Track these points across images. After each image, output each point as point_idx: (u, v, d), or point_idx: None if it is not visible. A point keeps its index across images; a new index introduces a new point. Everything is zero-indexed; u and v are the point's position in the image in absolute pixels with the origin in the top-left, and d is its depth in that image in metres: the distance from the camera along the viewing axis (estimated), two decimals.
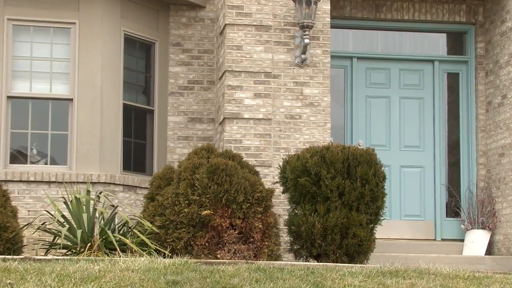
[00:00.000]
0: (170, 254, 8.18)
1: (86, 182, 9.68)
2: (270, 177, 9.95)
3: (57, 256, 7.89)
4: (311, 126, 10.28)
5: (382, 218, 9.10)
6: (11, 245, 8.68)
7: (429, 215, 11.55)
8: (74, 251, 8.65)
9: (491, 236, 11.22)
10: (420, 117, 11.70)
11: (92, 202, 8.99)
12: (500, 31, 11.33)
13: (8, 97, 10.17)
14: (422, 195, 11.57)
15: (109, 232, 8.48)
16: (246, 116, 10.17)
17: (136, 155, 10.87)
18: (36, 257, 7.32)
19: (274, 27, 10.34)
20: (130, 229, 8.82)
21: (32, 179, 9.99)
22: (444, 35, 12.14)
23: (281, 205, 9.73)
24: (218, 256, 8.26)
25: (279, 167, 9.27)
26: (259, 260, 7.97)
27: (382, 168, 9.04)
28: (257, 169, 9.40)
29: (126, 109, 10.65)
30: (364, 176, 8.77)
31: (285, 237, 9.27)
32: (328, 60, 10.42)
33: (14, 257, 7.15)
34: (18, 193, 9.94)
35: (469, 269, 7.60)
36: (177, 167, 9.04)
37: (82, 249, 8.49)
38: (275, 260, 8.54)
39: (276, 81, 10.28)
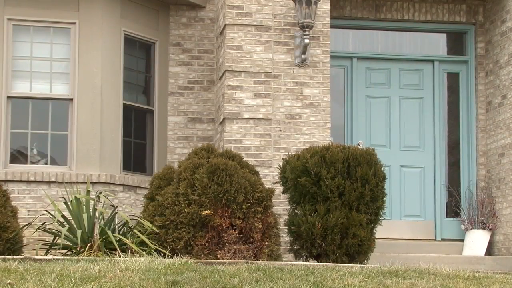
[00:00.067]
0: (170, 254, 8.18)
1: (86, 182, 9.68)
2: (270, 177, 9.95)
3: (57, 256, 7.89)
4: (311, 126, 10.28)
5: (382, 218, 9.10)
6: (11, 245, 8.67)
7: (429, 215, 11.55)
8: (74, 251, 8.65)
9: (491, 236, 11.22)
10: (420, 117, 11.70)
11: (92, 202, 8.99)
12: (500, 31, 11.33)
13: (8, 97, 10.17)
14: (422, 195, 11.57)
15: (109, 232, 8.48)
16: (246, 116, 10.17)
17: (136, 155, 10.87)
18: (36, 257, 7.32)
19: (274, 27, 10.34)
20: (130, 229, 8.82)
21: (32, 179, 9.99)
22: (444, 35, 12.14)
23: (281, 205, 9.72)
24: (218, 256, 8.26)
25: (279, 167, 9.27)
26: (259, 260, 7.97)
27: (382, 168, 9.04)
28: (257, 169, 9.40)
29: (126, 109, 10.65)
30: (364, 176, 8.77)
31: (285, 237, 9.27)
32: (328, 60, 10.42)
33: (14, 257, 7.15)
34: (18, 193, 9.94)
35: (469, 269, 7.60)
36: (177, 167, 9.04)
37: (82, 249, 8.49)
38: (275, 260, 8.54)
39: (276, 81, 10.28)
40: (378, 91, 11.67)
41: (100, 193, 9.25)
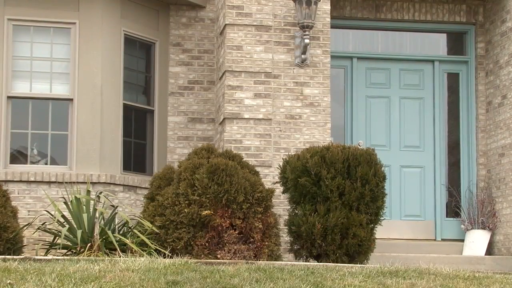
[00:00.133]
0: (170, 254, 8.18)
1: (86, 182, 9.68)
2: (270, 177, 9.95)
3: (57, 256, 7.89)
4: (311, 126, 10.28)
5: (382, 218, 9.10)
6: (11, 245, 8.67)
7: (429, 215, 11.55)
8: (74, 251, 8.65)
9: (491, 236, 11.22)
10: (420, 117, 11.70)
11: (92, 202, 8.99)
12: (500, 31, 11.33)
13: (8, 97, 10.17)
14: (422, 195, 11.57)
15: (109, 232, 8.48)
16: (246, 116, 10.17)
17: (136, 155, 10.87)
18: (36, 257, 7.32)
19: (274, 27, 10.34)
20: (130, 229, 8.82)
21: (32, 179, 9.99)
22: (444, 35, 12.14)
23: (281, 205, 9.72)
24: (218, 256, 8.26)
25: (279, 167, 9.27)
26: (259, 260, 7.97)
27: (382, 168, 9.04)
28: (257, 169, 9.40)
29: (126, 109, 10.65)
30: (364, 176, 8.77)
31: (285, 237, 9.27)
32: (328, 60, 10.42)
33: (14, 257, 7.15)
34: (18, 193, 9.94)
35: (469, 269, 7.60)
36: (177, 167, 9.04)
37: (82, 249, 8.48)
38: (275, 260, 8.54)
39: (276, 81, 10.28)
40: (378, 91, 11.67)
41: (100, 193, 9.25)
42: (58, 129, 10.29)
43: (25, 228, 9.19)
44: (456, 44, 12.09)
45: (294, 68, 10.33)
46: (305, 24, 10.10)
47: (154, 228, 8.49)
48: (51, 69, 10.35)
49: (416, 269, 7.00)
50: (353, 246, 8.71)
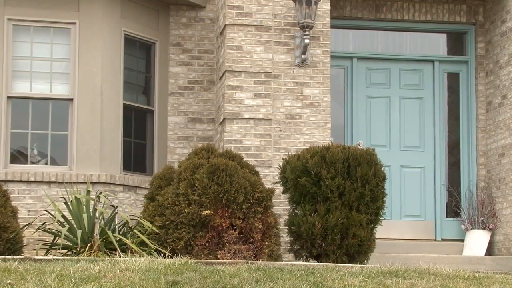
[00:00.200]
0: (170, 254, 8.18)
1: (86, 182, 9.68)
2: (270, 177, 9.95)
3: (57, 256, 7.89)
4: (311, 126, 10.28)
5: (382, 218, 9.10)
6: (11, 245, 8.67)
7: (429, 215, 11.55)
8: (74, 251, 8.65)
9: (491, 236, 11.22)
10: (420, 117, 11.70)
11: (92, 202, 8.99)
12: (500, 31, 11.33)
13: (8, 97, 10.17)
14: (422, 195, 11.57)
15: (109, 232, 8.48)
16: (246, 116, 10.17)
17: (136, 155, 10.87)
18: (36, 257, 7.32)
19: (274, 27, 10.34)
20: (130, 229, 8.82)
21: (32, 179, 9.99)
22: (444, 35, 12.14)
23: (281, 205, 9.72)
24: (218, 256, 8.26)
25: (279, 167, 9.27)
26: (259, 260, 7.97)
27: (382, 168, 9.04)
28: (257, 169, 9.39)
29: (126, 109, 10.65)
30: (364, 176, 8.77)
31: (285, 237, 9.27)
32: (328, 60, 10.42)
33: (14, 257, 7.15)
34: (18, 193, 9.94)
35: (469, 269, 7.60)
36: (177, 167, 9.04)
37: (82, 249, 8.48)
38: (275, 260, 8.54)
39: (276, 81, 10.28)
40: (378, 91, 11.67)
41: (100, 193, 9.25)
42: (58, 129, 10.29)
43: (25, 228, 9.19)
44: (456, 44, 12.09)
45: (294, 68, 10.33)
46: (305, 24, 10.10)
47: (154, 228, 8.49)
48: (51, 69, 10.35)
49: (416, 269, 7.00)
50: (353, 246, 8.71)
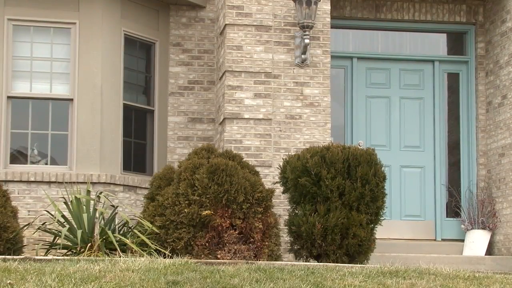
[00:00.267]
0: (170, 254, 8.18)
1: (86, 182, 9.68)
2: (270, 177, 9.95)
3: (57, 256, 7.89)
4: (311, 126, 10.28)
5: (382, 218, 9.10)
6: (11, 245, 8.67)
7: (429, 215, 11.55)
8: (74, 251, 8.65)
9: (491, 236, 11.22)
10: (420, 117, 11.70)
11: (92, 202, 8.98)
12: (500, 31, 11.33)
13: (8, 97, 10.17)
14: (422, 195, 11.57)
15: (109, 232, 8.48)
16: (246, 116, 10.17)
17: (136, 155, 10.87)
18: (36, 257, 7.32)
19: (274, 27, 10.34)
20: (130, 229, 8.82)
21: (32, 179, 9.99)
22: (444, 35, 12.14)
23: (281, 205, 9.72)
24: (218, 256, 8.26)
25: (279, 167, 9.27)
26: (259, 260, 7.97)
27: (382, 168, 9.04)
28: (257, 169, 9.39)
29: (126, 109, 10.65)
30: (364, 176, 8.77)
31: (285, 237, 9.27)
32: (328, 60, 10.42)
33: (14, 257, 7.15)
34: (18, 193, 9.94)
35: (469, 269, 7.60)
36: (177, 167, 9.04)
37: (82, 249, 8.48)
38: (275, 260, 8.54)
39: (276, 81, 10.28)
40: (378, 91, 11.67)
41: (100, 193, 9.25)
42: (58, 129, 10.29)
43: (25, 228, 9.19)
44: (456, 44, 12.09)
45: (294, 68, 10.33)
46: (305, 24, 10.10)
47: (154, 228, 8.49)
48: (51, 69, 10.35)
49: (416, 269, 7.00)
50: (353, 246, 8.71)
